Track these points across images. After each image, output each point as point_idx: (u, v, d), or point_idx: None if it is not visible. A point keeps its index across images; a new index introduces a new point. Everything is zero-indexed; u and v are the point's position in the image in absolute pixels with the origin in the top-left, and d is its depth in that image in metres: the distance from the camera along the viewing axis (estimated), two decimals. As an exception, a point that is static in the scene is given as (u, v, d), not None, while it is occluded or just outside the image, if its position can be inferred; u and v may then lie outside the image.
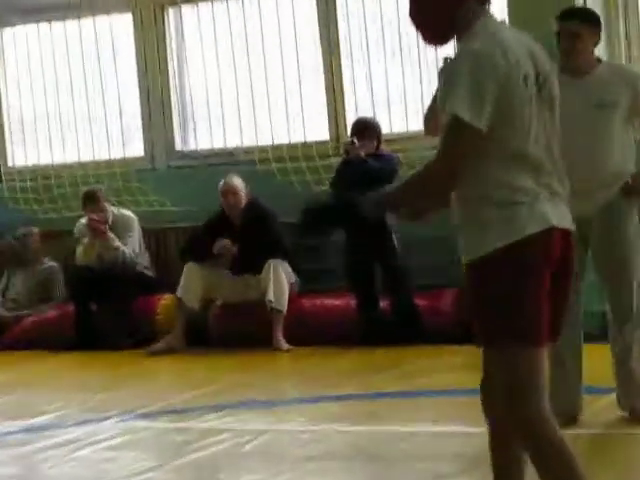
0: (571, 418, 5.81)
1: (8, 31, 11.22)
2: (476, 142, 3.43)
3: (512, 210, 3.49)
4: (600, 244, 5.95)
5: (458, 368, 7.48)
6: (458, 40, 3.52)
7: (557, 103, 3.63)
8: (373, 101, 10.09)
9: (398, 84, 9.95)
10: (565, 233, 3.60)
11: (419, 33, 3.74)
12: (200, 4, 10.48)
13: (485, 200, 3.54)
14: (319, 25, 9.92)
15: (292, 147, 9.85)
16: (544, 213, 3.52)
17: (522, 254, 3.50)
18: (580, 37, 5.79)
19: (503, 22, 4.18)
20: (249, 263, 9.06)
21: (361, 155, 8.72)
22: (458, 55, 3.55)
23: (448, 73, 3.55)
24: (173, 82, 10.64)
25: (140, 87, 10.64)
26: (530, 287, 3.55)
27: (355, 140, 8.81)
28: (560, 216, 3.58)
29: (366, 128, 9.07)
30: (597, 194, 5.82)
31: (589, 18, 6.02)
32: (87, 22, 10.95)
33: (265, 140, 10.07)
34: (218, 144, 10.38)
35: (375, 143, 8.99)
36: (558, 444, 3.69)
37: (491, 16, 3.68)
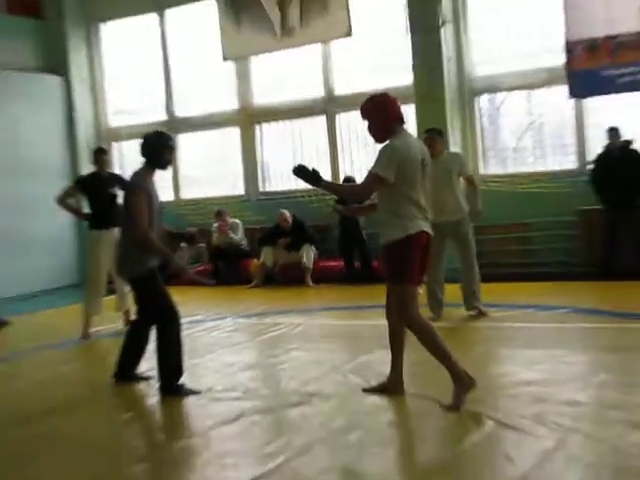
0: (437, 317, 8.19)
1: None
2: (383, 186, 5.17)
3: (405, 220, 5.24)
4: (456, 237, 8.44)
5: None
6: (389, 139, 5.28)
7: (427, 173, 5.33)
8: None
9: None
10: (428, 234, 5.33)
11: (370, 135, 5.49)
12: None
13: (394, 213, 5.25)
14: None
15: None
16: (419, 225, 5.26)
17: (408, 241, 5.24)
18: (435, 141, 8.36)
19: (410, 134, 5.54)
20: (294, 246, 12.26)
21: None
22: (385, 145, 5.28)
23: (379, 153, 5.27)
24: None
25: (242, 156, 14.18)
26: (410, 256, 5.25)
27: None
28: (426, 226, 5.31)
29: None
30: (451, 213, 8.29)
31: (440, 132, 8.70)
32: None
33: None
34: (281, 188, 13.58)
35: None
36: (431, 330, 5.33)
37: (404, 130, 5.38)
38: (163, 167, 6.43)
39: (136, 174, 6.37)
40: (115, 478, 4.77)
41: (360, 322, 8.86)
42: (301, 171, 5.33)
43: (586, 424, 4.92)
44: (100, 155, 9.37)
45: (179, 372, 6.24)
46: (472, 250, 8.54)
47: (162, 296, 6.29)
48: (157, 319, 6.26)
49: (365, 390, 5.87)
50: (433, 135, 8.61)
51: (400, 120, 5.39)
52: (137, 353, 6.61)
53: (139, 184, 6.25)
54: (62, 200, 9.30)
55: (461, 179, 8.72)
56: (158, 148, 6.29)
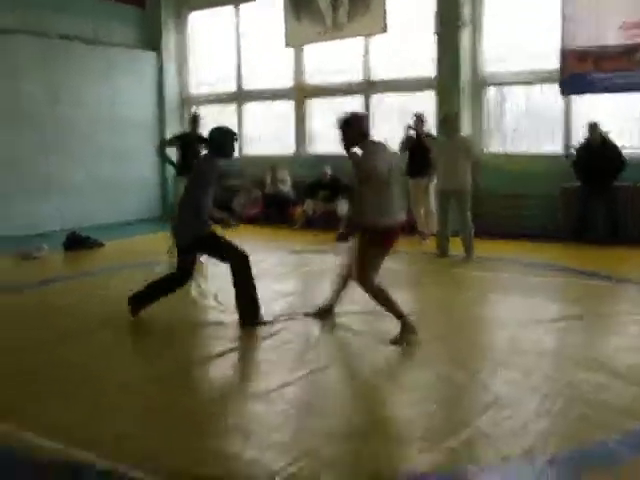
0: (443, 256, 9.13)
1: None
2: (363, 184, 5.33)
3: (380, 211, 5.34)
4: (459, 202, 8.94)
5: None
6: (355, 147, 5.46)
7: (394, 175, 5.40)
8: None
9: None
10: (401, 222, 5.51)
11: (342, 144, 5.55)
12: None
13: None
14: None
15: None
16: (394, 214, 5.45)
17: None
18: (453, 122, 9.23)
19: (376, 142, 5.58)
20: (331, 198, 12.31)
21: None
22: (356, 153, 5.46)
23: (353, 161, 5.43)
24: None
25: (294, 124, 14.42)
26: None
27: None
28: (400, 216, 5.49)
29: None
30: (457, 183, 8.86)
31: (456, 115, 9.72)
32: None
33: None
34: (323, 150, 13.64)
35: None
36: (384, 291, 5.49)
37: (371, 139, 5.53)
38: (229, 157, 6.28)
39: (206, 161, 6.26)
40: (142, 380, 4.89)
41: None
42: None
43: (547, 360, 5.07)
44: (196, 119, 9.81)
45: (256, 305, 6.13)
46: (468, 213, 9.00)
47: (230, 244, 6.17)
48: (233, 262, 6.08)
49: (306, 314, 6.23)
50: (451, 117, 9.20)
51: (365, 135, 5.49)
52: (159, 295, 6.35)
53: (207, 171, 6.15)
54: (161, 149, 9.96)
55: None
56: (226, 143, 6.21)
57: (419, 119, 10.45)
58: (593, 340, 5.67)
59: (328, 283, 7.57)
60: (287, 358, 5.27)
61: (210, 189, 5.97)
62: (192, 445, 3.82)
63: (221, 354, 5.39)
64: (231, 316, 6.26)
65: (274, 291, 7.47)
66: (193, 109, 14.95)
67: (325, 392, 4.64)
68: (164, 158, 9.98)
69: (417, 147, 10.29)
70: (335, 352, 5.52)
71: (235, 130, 6.44)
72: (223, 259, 6.14)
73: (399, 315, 5.48)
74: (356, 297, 6.14)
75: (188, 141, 9.49)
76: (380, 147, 5.48)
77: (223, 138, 6.16)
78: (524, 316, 6.23)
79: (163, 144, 10.06)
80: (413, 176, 10.62)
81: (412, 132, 10.40)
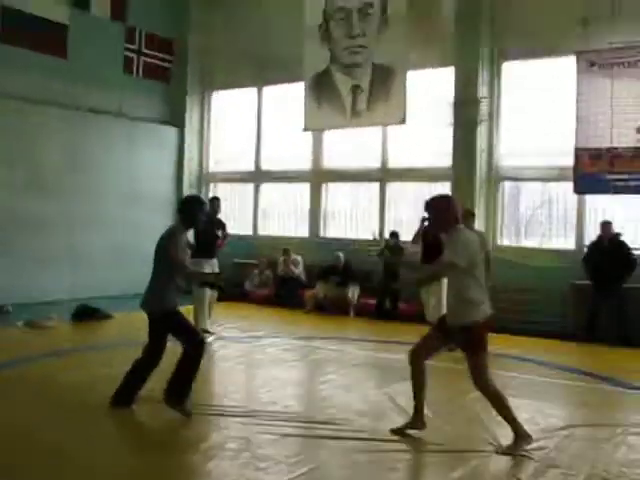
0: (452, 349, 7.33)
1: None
2: (458, 271, 5.03)
3: (475, 306, 5.13)
4: None
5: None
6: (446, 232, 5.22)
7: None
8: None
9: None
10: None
11: (432, 226, 5.54)
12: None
13: (465, 299, 5.14)
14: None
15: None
16: (485, 311, 5.17)
17: (479, 323, 5.14)
18: (468, 219, 8.40)
19: (466, 229, 5.40)
20: (343, 283, 12.33)
21: None
22: (452, 237, 5.17)
23: (448, 243, 5.12)
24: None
25: (310, 206, 14.35)
26: (481, 334, 5.19)
27: None
28: (489, 309, 5.22)
29: None
30: None
31: (472, 213, 9.21)
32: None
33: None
34: (337, 235, 13.82)
35: None
36: (501, 395, 5.24)
37: (461, 225, 5.26)
38: (197, 226, 6.29)
39: (175, 228, 6.17)
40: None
41: (386, 355, 8.86)
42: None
43: (555, 472, 4.91)
44: (215, 202, 9.96)
45: (188, 392, 5.98)
46: None
47: (193, 329, 6.10)
48: (192, 345, 5.94)
49: (393, 431, 5.60)
50: (467, 214, 8.72)
51: (458, 220, 5.31)
52: (141, 383, 6.16)
53: (177, 237, 6.05)
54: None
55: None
56: (193, 213, 6.11)
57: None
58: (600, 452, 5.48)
59: (333, 376, 7.60)
60: (284, 453, 5.10)
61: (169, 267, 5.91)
62: None
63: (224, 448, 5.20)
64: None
65: (274, 378, 7.42)
66: (211, 189, 15.37)
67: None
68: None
69: (432, 238, 10.21)
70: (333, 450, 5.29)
71: (203, 199, 6.38)
72: (184, 339, 6.00)
73: (513, 421, 5.25)
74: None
75: (209, 224, 9.44)
76: (474, 236, 5.41)
77: (189, 207, 6.10)
78: (529, 422, 6.04)
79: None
80: None
81: (427, 223, 10.28)
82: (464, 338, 5.18)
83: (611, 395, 7.30)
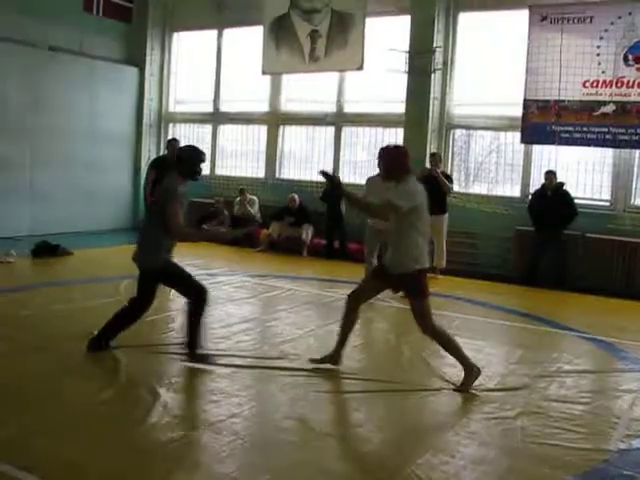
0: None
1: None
2: (400, 215, 5.08)
3: (418, 253, 5.20)
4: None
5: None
6: (397, 182, 5.20)
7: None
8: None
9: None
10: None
11: (384, 171, 5.42)
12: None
13: (410, 246, 5.19)
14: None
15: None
16: (426, 260, 5.27)
17: (423, 272, 5.26)
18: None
19: (415, 180, 5.31)
20: (297, 224, 12.41)
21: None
22: (399, 185, 5.17)
23: (395, 189, 5.13)
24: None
25: (266, 148, 14.35)
26: (424, 281, 5.28)
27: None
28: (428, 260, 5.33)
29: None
30: None
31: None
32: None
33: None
34: (292, 176, 13.88)
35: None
36: (446, 334, 5.54)
37: (412, 176, 5.28)
38: (194, 178, 5.76)
39: (170, 179, 5.69)
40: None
41: (333, 293, 8.90)
42: (326, 175, 5.22)
43: (491, 407, 5.09)
44: (174, 144, 9.64)
45: (201, 342, 5.83)
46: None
47: (190, 278, 5.77)
48: (191, 296, 5.73)
49: (312, 360, 5.75)
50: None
51: (408, 170, 5.31)
52: (122, 328, 5.87)
53: (174, 188, 5.61)
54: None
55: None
56: (192, 162, 5.71)
57: (435, 158, 10.31)
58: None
59: (284, 313, 7.70)
60: (234, 388, 5.18)
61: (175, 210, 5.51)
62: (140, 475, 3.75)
63: (170, 384, 5.27)
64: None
65: (229, 315, 7.46)
66: (171, 130, 15.23)
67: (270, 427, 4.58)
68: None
69: (434, 186, 10.19)
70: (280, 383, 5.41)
71: (204, 150, 5.95)
72: (182, 290, 5.89)
73: (463, 359, 5.39)
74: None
75: (165, 166, 9.20)
76: (420, 186, 5.34)
77: (194, 157, 5.70)
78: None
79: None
80: (430, 213, 10.44)
81: (429, 170, 10.17)
82: (405, 285, 5.28)
83: (547, 335, 7.51)
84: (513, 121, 11.19)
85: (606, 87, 10.16)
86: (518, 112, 10.99)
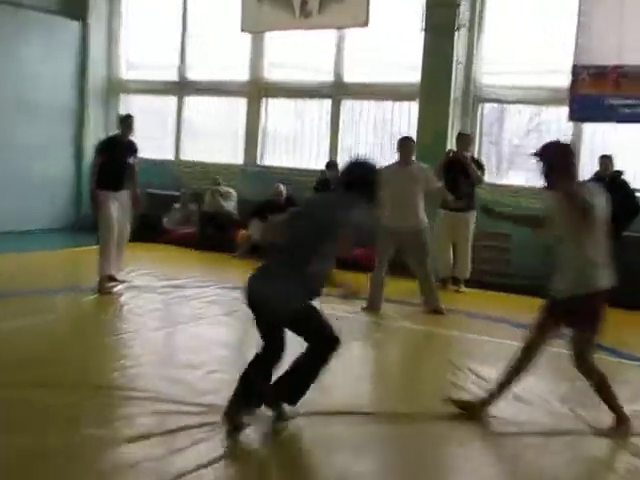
0: (375, 310, 8.72)
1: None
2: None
3: (599, 271, 5.31)
4: (415, 245, 8.79)
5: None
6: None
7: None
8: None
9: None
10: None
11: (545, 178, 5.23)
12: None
13: (590, 261, 5.28)
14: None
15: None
16: (605, 277, 5.37)
17: (602, 294, 5.35)
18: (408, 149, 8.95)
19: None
20: (284, 222, 13.07)
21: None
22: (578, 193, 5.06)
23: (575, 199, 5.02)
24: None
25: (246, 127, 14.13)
26: (602, 310, 5.37)
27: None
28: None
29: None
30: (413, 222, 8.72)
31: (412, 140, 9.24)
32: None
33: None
34: (279, 163, 13.70)
35: None
36: (604, 377, 5.40)
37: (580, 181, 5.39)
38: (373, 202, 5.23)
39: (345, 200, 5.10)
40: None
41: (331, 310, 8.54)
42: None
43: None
44: (127, 121, 9.44)
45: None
46: (429, 259, 8.87)
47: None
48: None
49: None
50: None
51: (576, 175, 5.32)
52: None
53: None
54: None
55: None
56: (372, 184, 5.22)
57: (464, 139, 10.36)
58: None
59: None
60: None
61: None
62: None
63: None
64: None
65: (198, 336, 7.30)
66: (123, 102, 15.04)
67: None
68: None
69: (459, 174, 10.08)
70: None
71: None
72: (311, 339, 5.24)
73: (616, 407, 5.44)
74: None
75: (117, 149, 9.24)
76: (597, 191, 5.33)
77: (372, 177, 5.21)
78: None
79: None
80: (454, 210, 10.24)
81: (455, 154, 10.23)
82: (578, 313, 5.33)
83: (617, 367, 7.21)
84: (558, 93, 11.05)
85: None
86: (565, 81, 10.87)
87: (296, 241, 5.03)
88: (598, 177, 10.27)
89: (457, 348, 7.74)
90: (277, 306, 4.95)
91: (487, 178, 11.15)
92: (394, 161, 8.91)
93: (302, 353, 5.21)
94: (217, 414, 5.02)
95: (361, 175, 5.18)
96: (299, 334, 5.19)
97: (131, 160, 9.38)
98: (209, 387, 5.82)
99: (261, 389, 5.19)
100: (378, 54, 12.62)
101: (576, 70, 10.64)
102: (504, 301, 10.08)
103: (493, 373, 5.61)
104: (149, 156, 12.03)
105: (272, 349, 5.17)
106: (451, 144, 11.24)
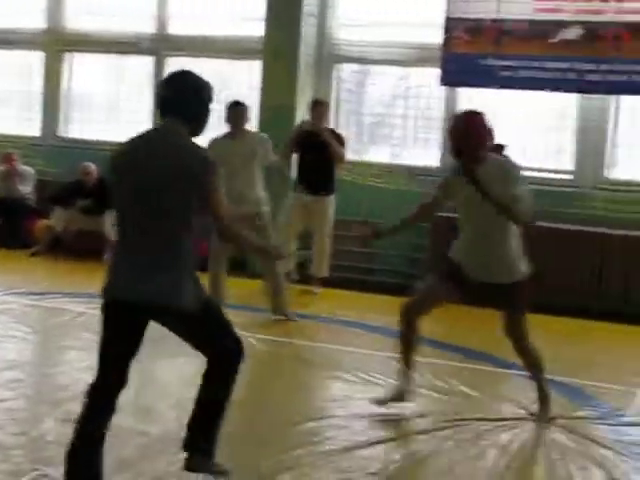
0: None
1: None
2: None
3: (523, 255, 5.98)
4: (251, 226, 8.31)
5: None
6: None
7: None
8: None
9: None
10: None
11: (464, 152, 5.52)
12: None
13: (519, 247, 5.95)
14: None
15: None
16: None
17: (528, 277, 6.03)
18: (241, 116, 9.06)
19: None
20: (95, 210, 12.03)
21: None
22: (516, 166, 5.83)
23: (514, 174, 5.67)
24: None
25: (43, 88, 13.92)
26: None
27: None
28: None
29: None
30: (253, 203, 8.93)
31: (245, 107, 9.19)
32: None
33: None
34: (88, 136, 13.53)
35: None
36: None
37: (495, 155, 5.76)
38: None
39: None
40: None
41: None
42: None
43: None
44: None
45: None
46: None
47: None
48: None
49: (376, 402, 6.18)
50: (240, 108, 9.04)
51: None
52: None
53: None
54: None
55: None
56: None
57: (320, 108, 10.34)
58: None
59: (74, 353, 7.37)
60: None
61: None
62: None
63: None
64: None
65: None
66: None
67: None
68: None
69: (316, 150, 10.12)
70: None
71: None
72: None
73: (544, 387, 6.13)
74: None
75: None
76: None
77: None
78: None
79: None
80: (308, 191, 10.42)
81: (311, 126, 10.24)
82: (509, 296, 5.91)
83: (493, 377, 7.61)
84: (429, 51, 11.26)
85: (569, 0, 10.30)
86: (437, 38, 11.06)
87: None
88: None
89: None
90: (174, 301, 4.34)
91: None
92: (223, 133, 8.91)
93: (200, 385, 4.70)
94: None
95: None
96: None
97: None
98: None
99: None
100: (212, 0, 12.69)
101: (449, 24, 10.82)
102: (365, 302, 10.32)
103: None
104: None
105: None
106: (303, 114, 11.27)
